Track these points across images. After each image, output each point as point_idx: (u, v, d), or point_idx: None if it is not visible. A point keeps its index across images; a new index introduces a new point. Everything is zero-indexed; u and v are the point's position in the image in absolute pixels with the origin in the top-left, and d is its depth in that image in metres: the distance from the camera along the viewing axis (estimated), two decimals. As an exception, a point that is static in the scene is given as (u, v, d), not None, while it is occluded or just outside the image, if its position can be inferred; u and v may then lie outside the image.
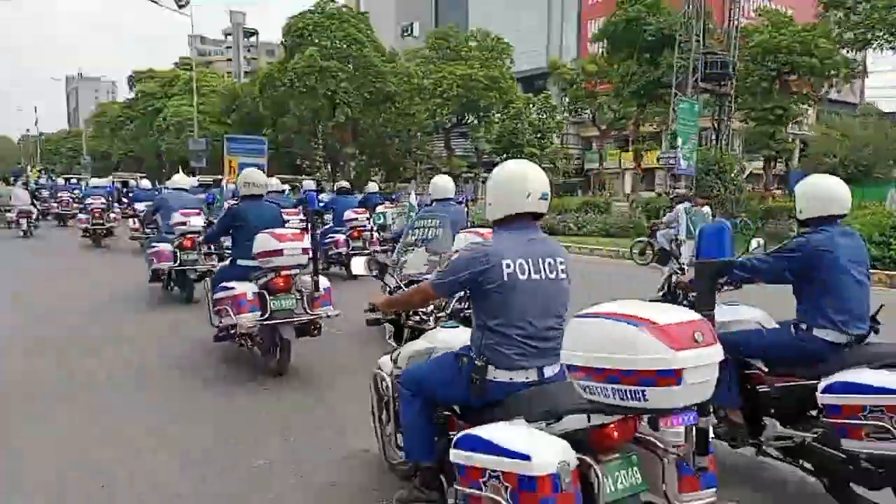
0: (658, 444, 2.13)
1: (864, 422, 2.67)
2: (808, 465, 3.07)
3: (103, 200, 15.49)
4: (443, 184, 6.15)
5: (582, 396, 2.01)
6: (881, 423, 2.60)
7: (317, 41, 30.99)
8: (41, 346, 5.98)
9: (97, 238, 14.92)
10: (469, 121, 24.06)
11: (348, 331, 6.03)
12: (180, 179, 9.66)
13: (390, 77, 32.30)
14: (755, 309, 3.46)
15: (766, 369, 3.25)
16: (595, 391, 1.95)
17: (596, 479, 1.98)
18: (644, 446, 2.15)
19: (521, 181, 2.54)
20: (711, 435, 2.06)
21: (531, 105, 26.83)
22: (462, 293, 2.78)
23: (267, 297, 4.94)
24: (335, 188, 12.94)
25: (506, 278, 2.41)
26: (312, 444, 3.81)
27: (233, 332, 5.16)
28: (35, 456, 3.64)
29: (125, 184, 21.81)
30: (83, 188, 20.81)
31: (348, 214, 9.80)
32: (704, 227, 3.82)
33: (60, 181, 27.74)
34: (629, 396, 1.87)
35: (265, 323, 4.91)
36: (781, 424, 3.12)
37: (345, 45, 31.09)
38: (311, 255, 5.08)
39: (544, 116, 26.56)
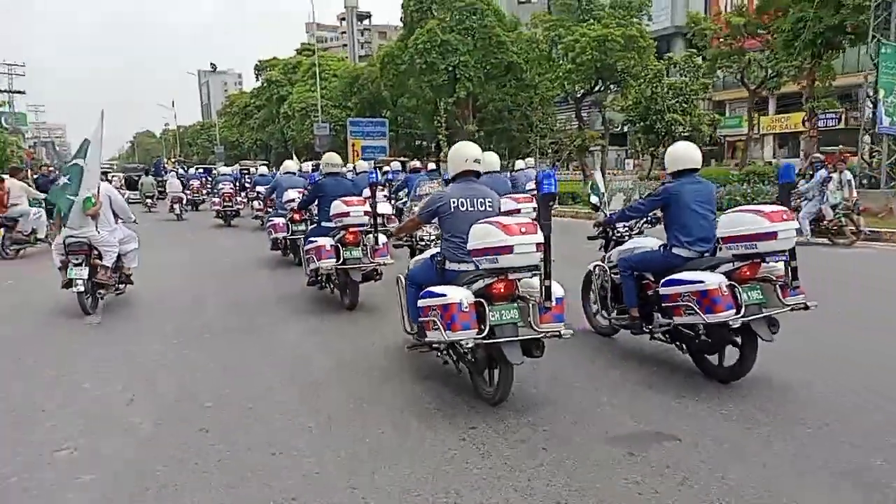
0: (527, 296, 3.94)
1: (680, 303, 4.26)
2: (679, 343, 4.67)
3: (231, 186, 17.80)
4: (490, 159, 7.46)
5: (479, 268, 3.96)
6: (689, 304, 4.18)
7: (436, 14, 29.97)
8: (205, 285, 8.73)
9: (227, 218, 17.27)
10: (601, 88, 22.03)
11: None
12: (290, 164, 11.45)
13: (512, 47, 30.71)
14: (651, 239, 5.15)
15: (653, 278, 4.76)
16: (482, 262, 3.90)
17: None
18: (522, 300, 3.97)
19: (462, 152, 4.56)
20: (558, 294, 3.93)
21: (674, 66, 24.27)
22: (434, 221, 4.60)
23: (341, 248, 6.56)
24: (409, 168, 14.16)
25: (451, 209, 4.37)
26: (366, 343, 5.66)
27: (318, 276, 7.01)
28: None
29: (247, 171, 23.39)
30: (214, 176, 23.00)
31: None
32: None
33: (192, 171, 30.38)
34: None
35: (340, 267, 6.60)
36: (662, 317, 4.61)
37: (465, 16, 29.82)
38: (371, 217, 6.53)
39: (687, 78, 23.91)
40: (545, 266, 3.84)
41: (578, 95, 22.70)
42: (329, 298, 7.34)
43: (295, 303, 7.37)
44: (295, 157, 15.62)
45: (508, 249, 3.75)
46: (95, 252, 6.80)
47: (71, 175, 6.63)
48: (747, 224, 4.08)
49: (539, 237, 3.81)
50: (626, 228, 5.42)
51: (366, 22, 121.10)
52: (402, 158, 20.00)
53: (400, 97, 39.08)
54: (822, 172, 12.04)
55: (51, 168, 19.83)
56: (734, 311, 3.98)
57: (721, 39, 27.63)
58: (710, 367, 4.44)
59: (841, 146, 23.12)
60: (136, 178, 26.85)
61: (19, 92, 57.84)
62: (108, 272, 6.84)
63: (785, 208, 4.12)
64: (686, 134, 25.26)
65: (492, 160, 7.45)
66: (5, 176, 12.02)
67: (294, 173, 11.00)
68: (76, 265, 6.64)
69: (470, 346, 3.74)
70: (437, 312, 3.87)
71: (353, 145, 38.06)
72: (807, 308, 4.23)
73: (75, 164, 6.70)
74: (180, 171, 30.94)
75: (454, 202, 4.34)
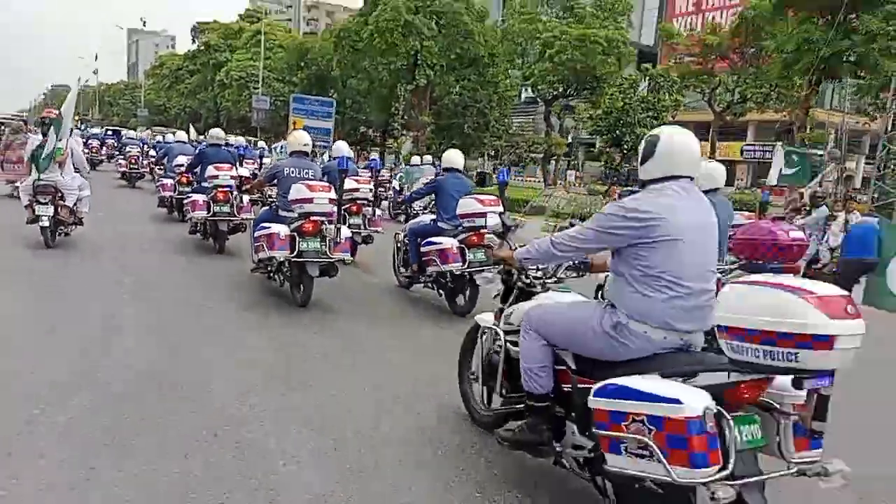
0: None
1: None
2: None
3: (138, 149, 18.91)
4: (452, 156, 7.01)
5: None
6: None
7: (403, -9, 27.74)
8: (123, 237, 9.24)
9: (131, 179, 18.10)
10: (573, 92, 20.61)
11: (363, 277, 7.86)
12: (216, 134, 10.38)
13: (479, 39, 28.88)
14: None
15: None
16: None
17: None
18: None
19: (299, 138, 6.68)
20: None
21: (649, 79, 23.16)
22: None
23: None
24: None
25: (285, 174, 6.44)
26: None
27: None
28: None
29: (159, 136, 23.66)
30: (121, 139, 23.24)
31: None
32: None
33: (93, 130, 29.84)
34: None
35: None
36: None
37: (433, -1, 27.82)
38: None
39: (660, 94, 22.86)
40: (338, 215, 6.06)
41: (549, 97, 21.15)
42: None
43: (239, 293, 6.63)
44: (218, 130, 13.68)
45: (310, 200, 5.85)
46: (59, 194, 7.91)
47: (52, 129, 7.71)
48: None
49: (332, 194, 5.96)
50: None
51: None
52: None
53: (351, 78, 36.48)
54: (824, 209, 11.06)
55: None
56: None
57: (691, 58, 26.91)
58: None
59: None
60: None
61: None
62: (68, 211, 8.06)
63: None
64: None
65: (454, 157, 6.99)
66: None
67: (221, 145, 10.10)
68: (42, 204, 7.70)
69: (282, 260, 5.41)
70: (265, 239, 5.97)
71: (295, 124, 35.12)
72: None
73: (55, 120, 7.80)
74: (83, 129, 29.93)
75: (287, 170, 6.32)
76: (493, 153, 35.65)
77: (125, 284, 6.45)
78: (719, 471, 2.06)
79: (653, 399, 2.16)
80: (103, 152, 22.87)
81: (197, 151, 10.18)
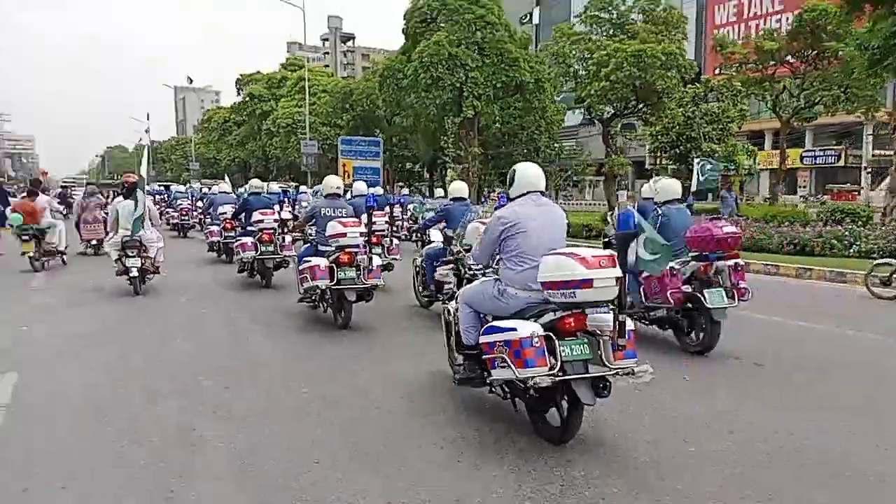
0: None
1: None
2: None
3: (188, 202, 20.39)
4: (459, 187, 8.09)
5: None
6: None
7: (443, 26, 27.51)
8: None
9: (183, 230, 19.62)
10: (632, 109, 19.74)
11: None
12: (256, 184, 11.58)
13: (524, 65, 28.35)
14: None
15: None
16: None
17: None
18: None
19: (330, 182, 7.47)
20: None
21: (710, 90, 22.10)
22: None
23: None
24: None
25: (322, 214, 7.20)
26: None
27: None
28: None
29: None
30: (171, 193, 24.35)
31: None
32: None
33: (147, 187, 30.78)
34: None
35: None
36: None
37: (474, 30, 27.44)
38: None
39: (725, 104, 21.75)
40: (368, 246, 7.19)
41: (606, 117, 20.32)
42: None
43: (290, 319, 7.57)
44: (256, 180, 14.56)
45: (344, 235, 6.70)
46: (143, 248, 9.06)
47: (139, 192, 8.93)
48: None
49: (362, 228, 6.92)
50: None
51: (349, 43, 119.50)
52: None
53: (396, 115, 36.44)
54: None
55: (14, 181, 20.02)
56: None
57: (748, 65, 25.66)
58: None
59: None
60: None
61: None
62: (152, 262, 9.22)
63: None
64: (715, 170, 23.06)
65: (461, 187, 7.87)
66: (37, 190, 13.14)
67: (259, 193, 11.28)
68: (132, 257, 8.88)
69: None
70: (308, 271, 6.78)
71: (344, 165, 35.13)
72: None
73: (140, 182, 9.14)
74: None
75: (324, 210, 7.18)
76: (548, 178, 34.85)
77: (205, 316, 7.71)
78: (549, 370, 3.41)
79: (504, 331, 3.60)
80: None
81: (241, 200, 11.62)
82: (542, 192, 4.18)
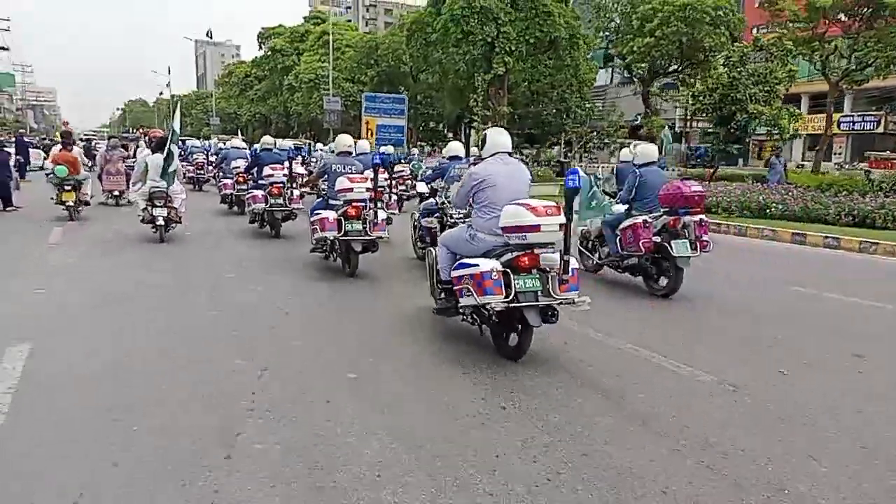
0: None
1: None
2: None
3: (203, 157, 20.87)
4: (455, 146, 8.51)
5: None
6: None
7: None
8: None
9: (198, 184, 20.00)
10: (679, 68, 18.57)
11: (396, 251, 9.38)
12: (267, 140, 12.39)
13: (559, 20, 27.06)
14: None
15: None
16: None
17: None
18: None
19: (341, 141, 8.18)
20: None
21: (759, 49, 20.83)
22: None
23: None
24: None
25: (333, 170, 7.88)
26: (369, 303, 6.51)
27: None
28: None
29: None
30: (188, 148, 24.06)
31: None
32: None
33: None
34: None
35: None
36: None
37: (508, -19, 26.21)
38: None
39: (773, 64, 20.50)
40: (375, 201, 7.37)
41: (646, 77, 19.18)
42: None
43: (306, 269, 8.06)
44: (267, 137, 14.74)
45: (351, 189, 7.16)
46: (169, 199, 9.77)
47: (169, 153, 9.67)
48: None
49: (369, 184, 7.27)
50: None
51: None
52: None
53: (422, 72, 35.26)
54: None
55: (35, 133, 20.19)
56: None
57: (798, 23, 24.19)
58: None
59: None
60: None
61: (3, 48, 53.36)
62: (176, 212, 9.94)
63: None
64: (757, 134, 21.92)
65: (457, 147, 8.19)
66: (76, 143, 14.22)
67: (270, 149, 11.94)
68: (158, 207, 9.64)
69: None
70: (318, 223, 7.33)
71: (367, 123, 34.25)
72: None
73: (171, 147, 9.71)
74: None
75: (334, 166, 7.69)
76: (571, 140, 33.81)
77: (223, 264, 8.33)
78: (504, 298, 4.30)
79: (470, 266, 4.47)
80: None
81: (253, 156, 12.37)
82: (509, 153, 5.08)
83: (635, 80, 20.02)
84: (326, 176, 7.84)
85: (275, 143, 13.05)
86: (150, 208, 9.77)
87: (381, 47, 36.56)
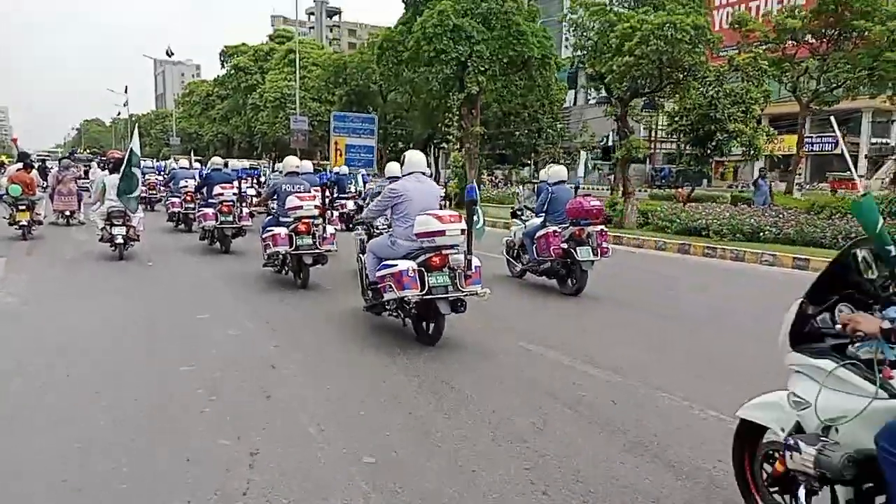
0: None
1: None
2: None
3: (156, 177, 21.87)
4: (417, 158, 7.17)
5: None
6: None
7: (447, -6, 25.68)
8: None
9: (151, 203, 20.23)
10: (657, 87, 18.24)
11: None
12: (217, 161, 13.12)
13: (531, 39, 26.74)
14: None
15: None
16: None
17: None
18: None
19: (290, 163, 9.18)
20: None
21: (734, 69, 20.76)
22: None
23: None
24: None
25: (283, 190, 8.44)
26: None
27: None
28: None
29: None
30: (141, 168, 23.30)
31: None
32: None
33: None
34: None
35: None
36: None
37: (481, 0, 25.74)
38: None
39: (749, 84, 20.42)
40: (323, 218, 8.13)
41: (623, 96, 18.83)
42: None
43: (257, 281, 8.82)
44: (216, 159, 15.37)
45: (301, 207, 7.95)
46: (127, 217, 10.24)
47: (129, 176, 9.96)
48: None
49: (317, 202, 8.11)
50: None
51: (335, 18, 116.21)
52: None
53: (392, 91, 34.55)
54: None
55: None
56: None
57: (768, 44, 24.37)
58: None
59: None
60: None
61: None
62: (134, 230, 10.46)
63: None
64: (731, 157, 21.87)
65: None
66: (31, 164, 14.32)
67: (220, 169, 12.72)
68: (117, 226, 10.13)
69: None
70: (271, 239, 8.05)
71: (336, 143, 33.33)
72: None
73: (131, 169, 10.02)
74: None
75: (284, 186, 8.46)
76: (543, 160, 33.56)
77: (180, 279, 9.26)
78: (419, 292, 5.27)
79: (391, 267, 5.43)
80: None
81: (204, 175, 12.86)
82: (422, 173, 6.12)
83: (613, 100, 19.74)
84: (276, 195, 8.53)
85: (225, 164, 14.12)
86: (108, 227, 10.14)
87: (349, 66, 35.78)
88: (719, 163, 45.42)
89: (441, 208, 7.08)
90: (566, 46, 21.90)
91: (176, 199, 14.79)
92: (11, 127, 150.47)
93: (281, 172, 10.38)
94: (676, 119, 21.47)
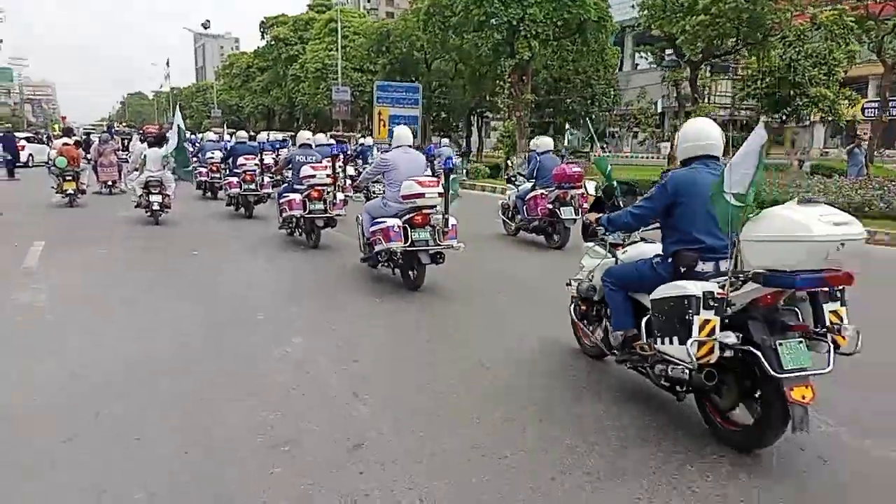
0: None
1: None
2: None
3: (220, 155, 22.31)
4: (404, 133, 7.88)
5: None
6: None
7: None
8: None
9: (213, 191, 19.86)
10: (734, 49, 16.55)
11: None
12: (242, 135, 14.66)
13: (588, 0, 25.06)
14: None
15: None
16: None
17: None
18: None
19: (303, 135, 10.16)
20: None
21: (816, 28, 18.83)
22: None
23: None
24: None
25: (298, 160, 9.52)
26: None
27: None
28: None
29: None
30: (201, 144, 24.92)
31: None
32: None
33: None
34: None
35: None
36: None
37: (533, -41, 24.10)
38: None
39: (834, 44, 18.57)
40: (334, 185, 8.85)
41: (696, 58, 17.22)
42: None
43: (276, 242, 9.71)
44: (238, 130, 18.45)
45: (314, 176, 8.66)
46: (163, 186, 11.36)
47: (182, 150, 11.29)
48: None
49: (329, 171, 8.78)
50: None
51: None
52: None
53: (437, 59, 33.20)
54: None
55: (34, 127, 20.99)
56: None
57: (850, 1, 22.24)
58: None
59: None
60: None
61: (-3, 40, 51.46)
62: (168, 199, 11.45)
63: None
64: (819, 116, 20.11)
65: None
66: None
67: (244, 142, 13.69)
68: (154, 194, 11.19)
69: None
70: (287, 203, 8.86)
71: (380, 113, 32.28)
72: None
73: (178, 145, 11.21)
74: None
75: (298, 157, 9.24)
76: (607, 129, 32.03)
77: (209, 239, 10.05)
78: (404, 244, 6.34)
79: (381, 223, 6.53)
80: None
81: (228, 148, 13.76)
82: (409, 146, 7.26)
83: (682, 63, 18.18)
84: (291, 165, 9.37)
85: (251, 137, 15.81)
86: (146, 195, 11.25)
87: (392, 34, 34.47)
88: (775, 129, 42.95)
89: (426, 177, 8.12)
90: (632, 6, 20.15)
91: (203, 169, 15.71)
92: (58, 103, 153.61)
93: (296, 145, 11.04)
94: (749, 83, 19.76)
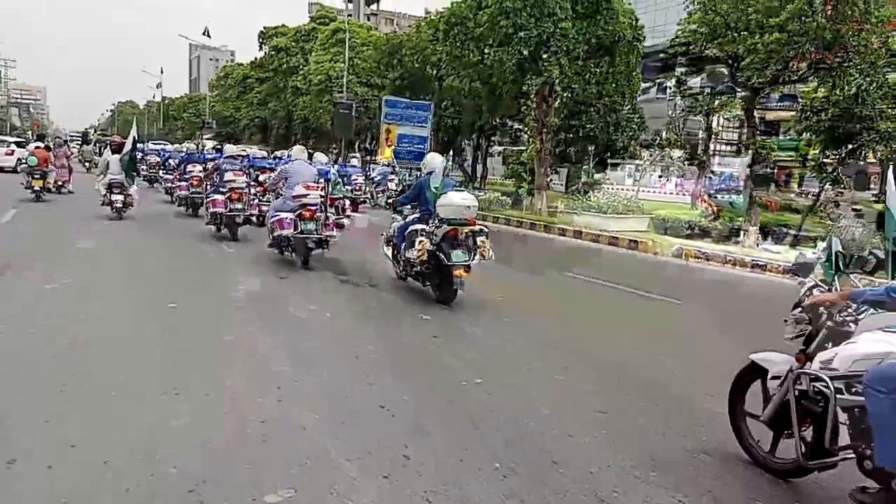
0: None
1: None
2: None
3: (157, 158, 24.16)
4: (299, 150, 10.43)
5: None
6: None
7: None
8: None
9: (151, 182, 23.32)
10: (803, 74, 14.68)
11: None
12: (232, 149, 13.57)
13: (623, 18, 23.29)
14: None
15: None
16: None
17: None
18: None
19: (297, 150, 10.84)
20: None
21: (891, 54, 16.93)
22: None
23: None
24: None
25: (291, 174, 10.01)
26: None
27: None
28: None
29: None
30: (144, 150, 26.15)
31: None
32: None
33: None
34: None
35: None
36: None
37: (566, -29, 22.29)
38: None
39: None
40: (325, 207, 9.36)
41: (758, 84, 15.22)
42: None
43: (264, 261, 9.86)
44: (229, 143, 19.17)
45: (306, 196, 9.07)
46: (124, 187, 13.17)
47: (132, 159, 13.66)
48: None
49: (321, 192, 9.33)
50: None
51: (373, 7, 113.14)
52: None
53: (451, 76, 31.17)
54: None
55: (17, 131, 21.19)
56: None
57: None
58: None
59: None
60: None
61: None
62: (130, 197, 13.34)
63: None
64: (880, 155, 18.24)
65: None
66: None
67: (235, 156, 12.94)
68: (117, 194, 13.03)
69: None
70: (278, 222, 9.07)
71: (388, 132, 30.12)
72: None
73: (131, 154, 13.67)
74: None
75: (292, 174, 9.60)
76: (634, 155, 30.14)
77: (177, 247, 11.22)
78: (294, 232, 9.08)
79: (279, 216, 9.22)
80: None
81: (215, 162, 13.16)
82: (304, 160, 10.07)
83: (737, 88, 16.36)
84: (286, 181, 9.57)
85: (240, 152, 14.49)
86: (109, 195, 13.13)
87: (405, 46, 32.46)
88: (783, 168, 41.09)
89: (316, 183, 9.55)
90: (678, 23, 18.37)
91: (184, 184, 15.37)
92: (48, 107, 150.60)
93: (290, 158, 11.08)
94: (810, 114, 17.74)
